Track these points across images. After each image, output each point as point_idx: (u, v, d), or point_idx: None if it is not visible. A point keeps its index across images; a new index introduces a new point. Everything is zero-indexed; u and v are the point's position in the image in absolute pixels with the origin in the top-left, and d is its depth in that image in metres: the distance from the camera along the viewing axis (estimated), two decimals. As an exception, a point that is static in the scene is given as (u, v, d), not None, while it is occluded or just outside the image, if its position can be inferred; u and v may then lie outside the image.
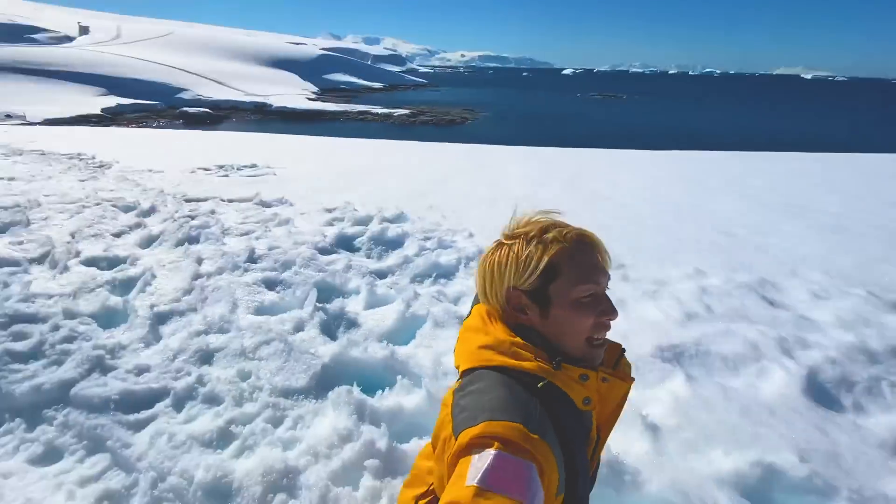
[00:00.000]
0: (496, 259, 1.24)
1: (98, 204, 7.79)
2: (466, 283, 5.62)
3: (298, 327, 4.34)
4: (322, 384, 3.51)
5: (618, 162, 14.88)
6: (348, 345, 3.98)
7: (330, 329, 4.44)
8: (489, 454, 0.89)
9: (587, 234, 1.22)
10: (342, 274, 5.61)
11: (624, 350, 1.32)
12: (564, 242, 1.18)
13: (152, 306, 4.66)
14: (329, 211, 8.15)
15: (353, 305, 4.97)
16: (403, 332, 4.49)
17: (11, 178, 9.20)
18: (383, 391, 3.28)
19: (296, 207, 8.41)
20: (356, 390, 3.18)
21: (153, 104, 47.87)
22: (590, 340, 1.16)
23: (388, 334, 4.40)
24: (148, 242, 6.49)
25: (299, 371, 3.57)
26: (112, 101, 46.21)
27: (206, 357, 3.82)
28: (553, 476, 0.97)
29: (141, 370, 3.45)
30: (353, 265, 5.95)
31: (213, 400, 3.19)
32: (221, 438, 2.75)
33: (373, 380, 3.76)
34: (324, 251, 6.47)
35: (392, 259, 6.46)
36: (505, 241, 1.27)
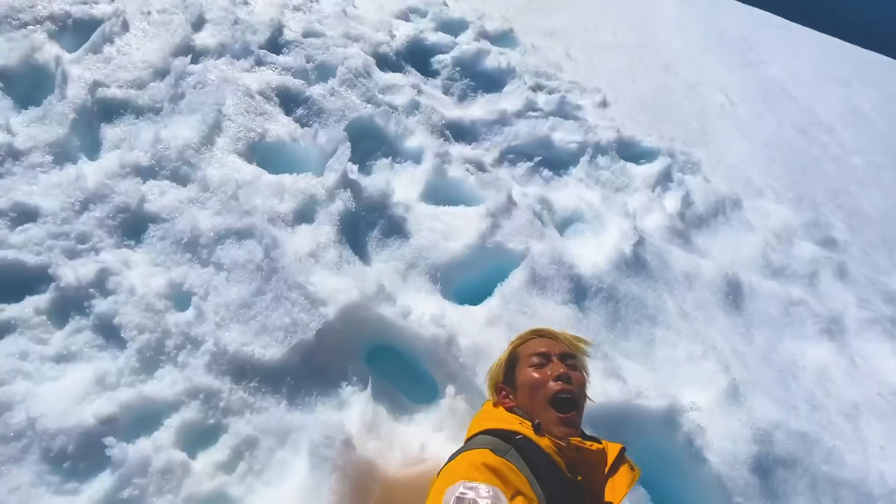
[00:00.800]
0: (493, 364, 1.63)
1: None
2: (586, 196, 3.51)
3: (303, 215, 2.51)
4: (311, 373, 1.95)
5: (811, 42, 10.42)
6: (378, 289, 2.22)
7: (356, 232, 2.61)
8: (458, 485, 1.08)
9: (540, 329, 1.62)
10: (401, 117, 3.47)
11: (624, 449, 1.35)
12: (521, 338, 1.58)
13: (96, 85, 2.78)
14: (408, -5, 5.35)
15: (406, 187, 3.02)
16: (475, 275, 2.66)
17: None
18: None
19: (363, -27, 5.60)
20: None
21: None
22: (553, 404, 1.35)
23: (450, 271, 2.58)
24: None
25: (273, 339, 1.97)
26: None
27: (124, 227, 2.19)
28: (524, 488, 1.13)
29: None
30: (422, 103, 3.74)
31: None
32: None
33: (401, 369, 2.15)
34: (384, 62, 4.16)
35: (481, 107, 4.19)
36: None
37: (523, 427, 1.31)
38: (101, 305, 1.95)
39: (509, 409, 1.42)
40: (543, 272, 2.70)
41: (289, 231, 2.41)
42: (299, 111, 3.29)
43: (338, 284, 2.21)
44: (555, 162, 3.84)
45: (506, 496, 1.05)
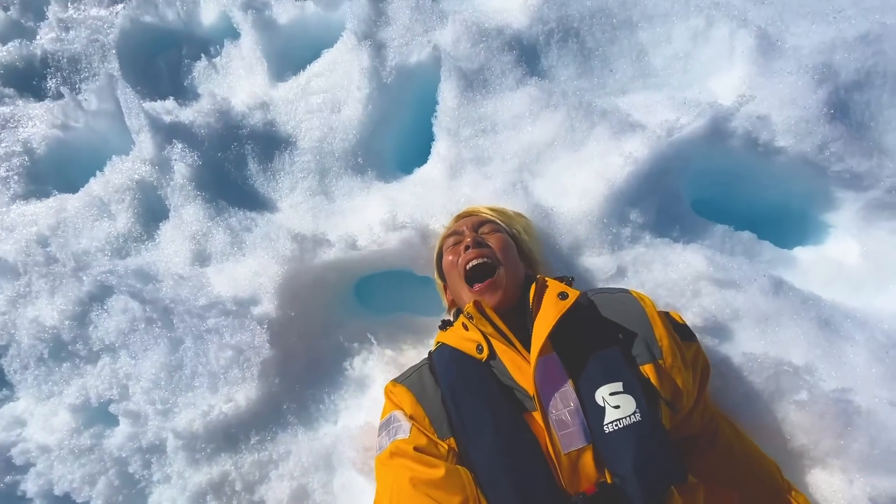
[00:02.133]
0: None
1: None
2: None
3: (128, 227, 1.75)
4: (304, 379, 1.45)
5: None
6: (297, 242, 1.57)
7: (218, 190, 1.84)
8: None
9: (460, 213, 1.49)
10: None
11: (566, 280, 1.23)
12: (446, 229, 1.45)
13: None
14: None
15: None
16: (398, 135, 1.92)
17: None
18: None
19: None
20: None
21: None
22: (467, 283, 1.23)
23: (368, 155, 1.86)
24: None
25: (229, 381, 1.43)
26: None
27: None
28: (416, 412, 1.11)
29: None
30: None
31: None
32: None
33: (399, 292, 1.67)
34: None
35: None
36: None
37: (440, 333, 1.29)
38: (26, 485, 1.47)
39: (449, 310, 1.41)
40: (472, 63, 1.91)
41: (135, 254, 1.71)
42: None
43: (246, 270, 1.59)
44: None
45: (405, 416, 1.11)
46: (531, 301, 1.13)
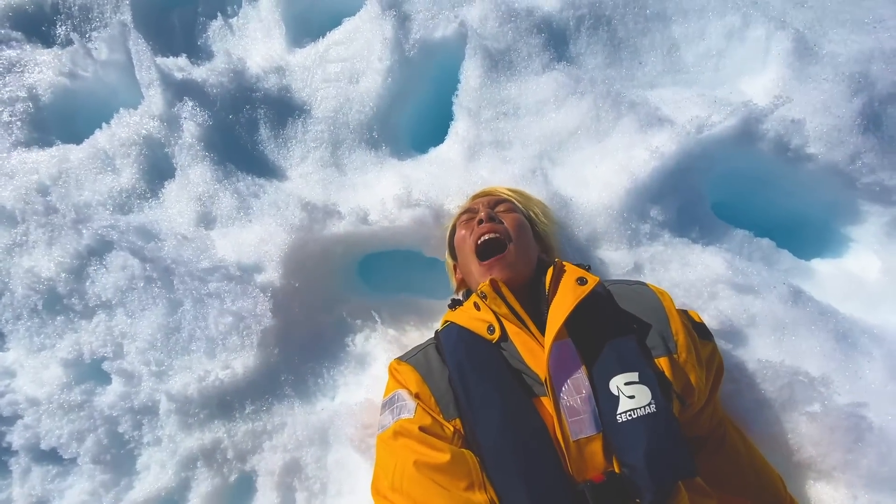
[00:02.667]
0: None
1: None
2: None
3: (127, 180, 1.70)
4: (303, 353, 1.41)
5: None
6: (307, 211, 1.53)
7: (225, 150, 1.79)
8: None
9: (477, 193, 1.45)
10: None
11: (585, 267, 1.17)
12: (462, 208, 1.41)
13: None
14: None
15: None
16: (418, 111, 1.87)
17: None
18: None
19: None
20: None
21: None
22: (478, 258, 1.19)
23: (383, 126, 1.81)
24: None
25: (228, 347, 1.39)
26: None
27: None
28: (422, 391, 1.08)
29: None
30: None
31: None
32: None
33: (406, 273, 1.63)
34: None
35: None
36: None
37: (448, 312, 1.25)
38: (12, 436, 1.44)
39: (458, 290, 1.35)
40: (498, 43, 1.85)
41: (138, 211, 1.66)
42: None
43: (252, 236, 1.54)
44: None
45: (410, 395, 1.08)
46: (547, 284, 1.09)
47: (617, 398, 0.95)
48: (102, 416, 1.42)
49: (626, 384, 0.95)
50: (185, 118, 1.79)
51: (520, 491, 0.90)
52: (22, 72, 2.11)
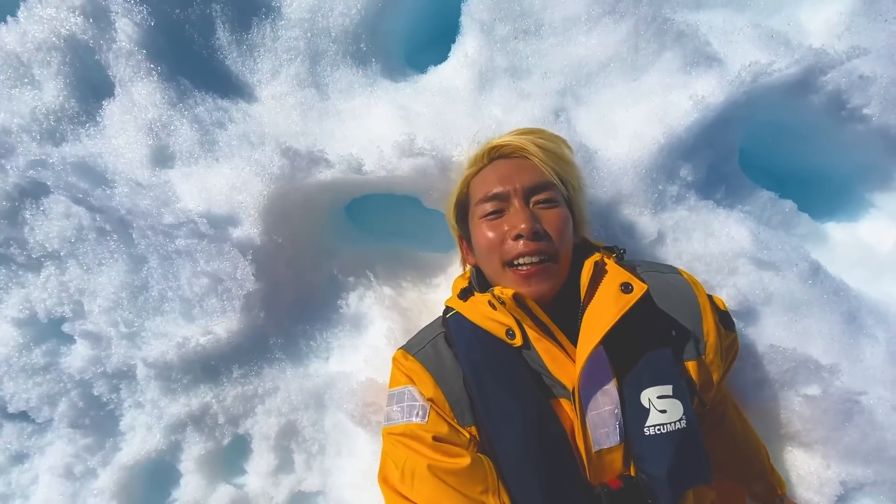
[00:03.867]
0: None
1: None
2: None
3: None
4: (292, 312, 1.28)
5: None
6: (290, 154, 1.26)
7: (185, 75, 1.42)
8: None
9: (501, 144, 1.08)
10: None
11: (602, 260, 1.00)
12: (474, 162, 1.11)
13: None
14: None
15: None
16: (420, 27, 1.50)
17: None
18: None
19: None
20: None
21: None
22: (509, 266, 0.98)
23: (377, 45, 1.45)
24: None
25: (207, 310, 1.23)
26: None
27: None
28: (437, 396, 0.98)
29: None
30: None
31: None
32: None
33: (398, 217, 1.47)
34: None
35: None
36: None
37: (454, 299, 1.08)
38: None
39: (475, 270, 1.11)
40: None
41: (73, 140, 1.34)
42: None
43: (221, 180, 1.30)
44: None
45: (422, 396, 0.99)
46: (583, 289, 0.96)
47: (647, 410, 0.90)
48: (73, 380, 1.30)
49: (659, 398, 0.90)
50: (117, 13, 1.38)
51: (536, 498, 0.89)
52: None
